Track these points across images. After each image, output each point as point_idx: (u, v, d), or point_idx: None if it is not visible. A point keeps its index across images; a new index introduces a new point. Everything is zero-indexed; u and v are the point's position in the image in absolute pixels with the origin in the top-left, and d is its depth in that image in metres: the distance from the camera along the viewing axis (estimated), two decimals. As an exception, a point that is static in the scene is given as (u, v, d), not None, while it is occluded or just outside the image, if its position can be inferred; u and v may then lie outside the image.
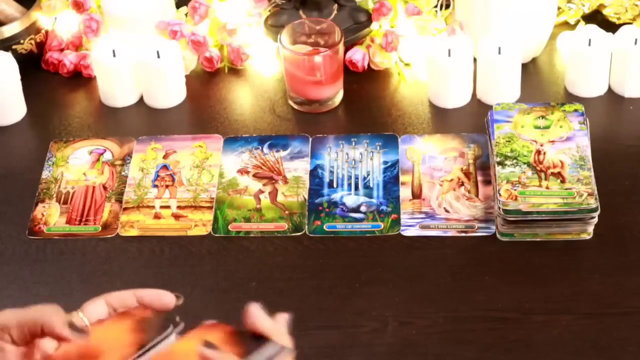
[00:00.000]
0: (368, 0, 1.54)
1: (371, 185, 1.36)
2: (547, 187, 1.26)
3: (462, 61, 1.44)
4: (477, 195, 1.33)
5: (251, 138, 1.45)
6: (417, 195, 1.35)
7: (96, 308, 0.86)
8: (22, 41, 1.54)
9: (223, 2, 1.56)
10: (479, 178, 1.35)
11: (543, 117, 1.34)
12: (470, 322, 1.19)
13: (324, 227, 1.31)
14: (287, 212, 1.34)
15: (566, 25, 1.57)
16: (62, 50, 1.58)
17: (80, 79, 1.56)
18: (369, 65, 1.54)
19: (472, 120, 1.44)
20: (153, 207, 1.36)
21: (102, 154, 1.44)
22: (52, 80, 1.57)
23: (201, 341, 0.80)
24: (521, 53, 1.45)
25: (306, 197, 1.36)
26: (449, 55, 1.43)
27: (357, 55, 1.52)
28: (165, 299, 0.88)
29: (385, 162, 1.39)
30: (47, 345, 0.85)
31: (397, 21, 1.53)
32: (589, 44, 1.43)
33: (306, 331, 1.19)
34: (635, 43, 1.43)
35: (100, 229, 1.33)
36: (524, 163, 1.29)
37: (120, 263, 1.29)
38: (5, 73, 1.47)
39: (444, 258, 1.26)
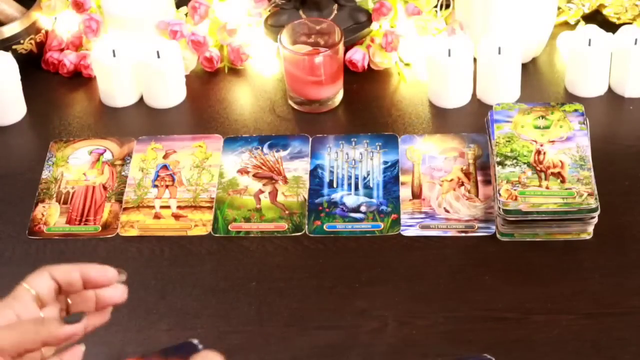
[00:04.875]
0: (368, 0, 1.54)
1: (371, 185, 1.36)
2: (547, 187, 1.26)
3: (462, 61, 1.44)
4: (477, 195, 1.33)
5: (251, 138, 1.45)
6: (417, 195, 1.34)
7: (42, 281, 0.89)
8: (22, 41, 1.54)
9: (223, 2, 1.56)
10: (479, 178, 1.35)
11: (543, 117, 1.34)
12: (470, 322, 1.19)
13: (324, 227, 1.31)
14: (287, 212, 1.34)
15: (566, 25, 1.57)
16: (62, 50, 1.58)
17: (80, 79, 1.56)
18: (369, 65, 1.54)
19: (472, 120, 1.44)
20: (153, 207, 1.36)
21: (102, 154, 1.44)
22: (52, 80, 1.57)
23: None
24: (521, 53, 1.45)
25: (306, 197, 1.36)
26: (449, 55, 1.43)
27: (357, 55, 1.52)
28: (109, 274, 0.91)
29: (385, 162, 1.39)
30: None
31: (397, 21, 1.53)
32: (589, 44, 1.43)
33: (306, 331, 1.19)
34: (635, 43, 1.43)
35: (100, 229, 1.33)
36: (524, 163, 1.29)
37: (120, 263, 1.28)
38: (5, 73, 1.47)
39: (444, 258, 1.26)
